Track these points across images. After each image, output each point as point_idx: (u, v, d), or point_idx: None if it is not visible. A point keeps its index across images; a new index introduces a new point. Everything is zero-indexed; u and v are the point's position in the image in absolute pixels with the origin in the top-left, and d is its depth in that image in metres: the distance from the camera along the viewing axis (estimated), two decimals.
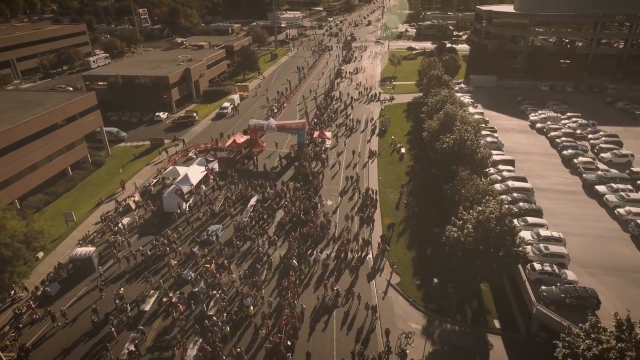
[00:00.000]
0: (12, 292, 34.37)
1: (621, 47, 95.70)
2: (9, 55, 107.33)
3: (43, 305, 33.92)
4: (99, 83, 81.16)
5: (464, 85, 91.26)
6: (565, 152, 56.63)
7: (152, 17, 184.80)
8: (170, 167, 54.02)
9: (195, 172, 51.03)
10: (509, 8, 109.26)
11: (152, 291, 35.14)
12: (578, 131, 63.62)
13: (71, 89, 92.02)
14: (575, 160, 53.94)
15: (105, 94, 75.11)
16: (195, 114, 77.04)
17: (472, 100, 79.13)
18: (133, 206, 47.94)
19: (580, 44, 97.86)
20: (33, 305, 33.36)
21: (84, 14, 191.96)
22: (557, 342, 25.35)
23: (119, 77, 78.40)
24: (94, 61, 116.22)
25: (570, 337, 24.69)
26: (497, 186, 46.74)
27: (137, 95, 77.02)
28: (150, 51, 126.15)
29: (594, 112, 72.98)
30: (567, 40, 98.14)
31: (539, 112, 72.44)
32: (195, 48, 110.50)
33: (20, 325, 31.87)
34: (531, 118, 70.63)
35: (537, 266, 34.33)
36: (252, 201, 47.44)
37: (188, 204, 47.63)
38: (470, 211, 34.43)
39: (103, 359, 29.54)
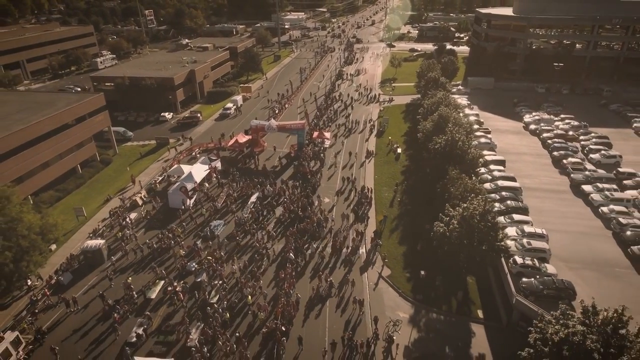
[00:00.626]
0: (29, 281, 36.91)
1: (618, 49, 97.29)
2: (20, 56, 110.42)
3: (57, 293, 36.48)
4: (107, 84, 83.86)
5: (461, 87, 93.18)
6: (555, 153, 58.53)
7: (157, 18, 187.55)
8: (175, 166, 56.50)
9: (198, 171, 53.44)
10: (508, 11, 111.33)
11: (157, 281, 37.57)
12: (570, 133, 65.46)
13: (79, 89, 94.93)
14: (564, 161, 55.83)
15: (112, 95, 77.55)
16: (199, 115, 79.63)
17: (469, 102, 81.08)
18: (140, 202, 50.46)
19: (579, 46, 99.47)
20: (47, 293, 35.96)
21: (90, 14, 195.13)
22: (531, 328, 27.45)
23: (125, 78, 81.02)
24: (101, 62, 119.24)
25: (542, 323, 26.78)
26: (487, 185, 48.85)
27: (143, 96, 79.59)
28: (156, 52, 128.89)
29: (587, 114, 74.71)
30: (568, 43, 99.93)
31: (534, 113, 74.31)
32: (200, 49, 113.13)
33: (36, 311, 34.45)
34: (525, 120, 72.55)
35: (519, 260, 36.40)
36: (253, 198, 49.78)
37: (192, 200, 50.04)
38: (457, 208, 36.60)
39: (112, 341, 32.04)
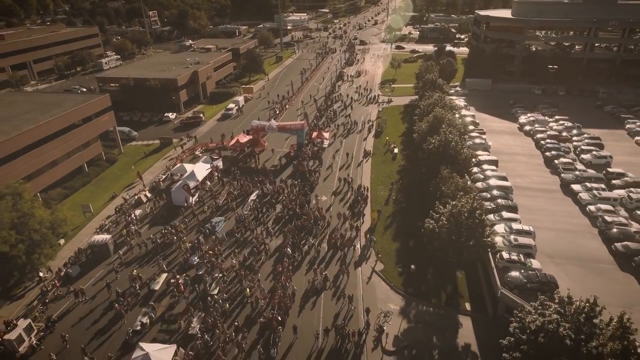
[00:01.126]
0: (40, 273, 38.92)
1: (616, 51, 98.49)
2: (26, 57, 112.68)
3: (66, 285, 38.50)
4: (112, 85, 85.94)
5: (459, 89, 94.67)
6: (547, 153, 60.03)
7: (161, 19, 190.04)
8: (178, 164, 58.49)
9: (201, 169, 55.36)
10: (507, 13, 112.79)
11: (161, 273, 39.50)
12: (563, 133, 66.93)
13: (85, 90, 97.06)
14: (556, 161, 57.31)
15: (117, 95, 79.54)
16: (202, 115, 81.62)
17: (466, 103, 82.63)
18: (144, 199, 52.41)
19: (579, 48, 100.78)
20: (57, 284, 37.99)
21: (95, 15, 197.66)
22: (512, 318, 29.15)
23: (130, 79, 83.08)
24: (105, 63, 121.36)
25: (522, 313, 28.49)
26: (479, 184, 50.54)
27: (147, 97, 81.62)
28: (160, 53, 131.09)
29: (582, 115, 76.07)
30: (566, 45, 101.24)
31: (529, 115, 75.76)
32: (203, 51, 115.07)
33: (47, 301, 36.50)
34: (520, 121, 74.06)
35: (505, 255, 38.07)
36: (253, 196, 51.66)
37: (194, 198, 51.95)
38: (447, 205, 38.31)
39: (118, 329, 34.01)
